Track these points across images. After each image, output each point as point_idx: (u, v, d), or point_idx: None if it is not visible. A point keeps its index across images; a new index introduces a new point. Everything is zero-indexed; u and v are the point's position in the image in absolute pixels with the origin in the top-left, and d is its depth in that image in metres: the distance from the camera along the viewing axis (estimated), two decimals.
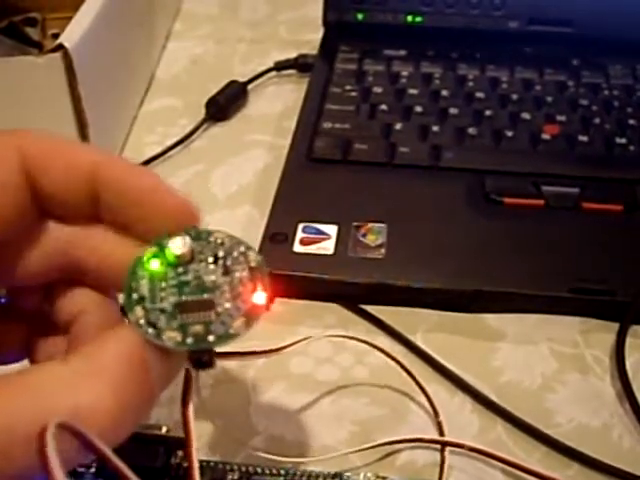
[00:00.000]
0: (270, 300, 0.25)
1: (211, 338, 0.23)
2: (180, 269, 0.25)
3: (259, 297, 0.25)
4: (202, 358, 0.24)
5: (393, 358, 0.38)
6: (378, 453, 0.36)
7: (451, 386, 0.39)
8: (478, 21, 0.60)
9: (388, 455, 0.36)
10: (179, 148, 0.55)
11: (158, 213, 0.26)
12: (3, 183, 0.25)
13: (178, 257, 0.25)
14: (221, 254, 0.25)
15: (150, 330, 0.23)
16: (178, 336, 0.23)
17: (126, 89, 0.57)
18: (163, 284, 0.25)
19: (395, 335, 0.41)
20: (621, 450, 0.36)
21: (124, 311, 0.24)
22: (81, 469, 0.33)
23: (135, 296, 0.24)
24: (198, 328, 0.24)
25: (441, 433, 0.36)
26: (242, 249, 0.26)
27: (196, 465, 0.26)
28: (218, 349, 0.24)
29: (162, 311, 0.24)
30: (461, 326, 0.42)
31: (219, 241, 0.26)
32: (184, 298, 0.24)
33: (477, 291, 0.42)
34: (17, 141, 0.26)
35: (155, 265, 0.25)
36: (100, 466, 0.33)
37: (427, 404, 0.37)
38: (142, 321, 0.24)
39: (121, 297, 0.26)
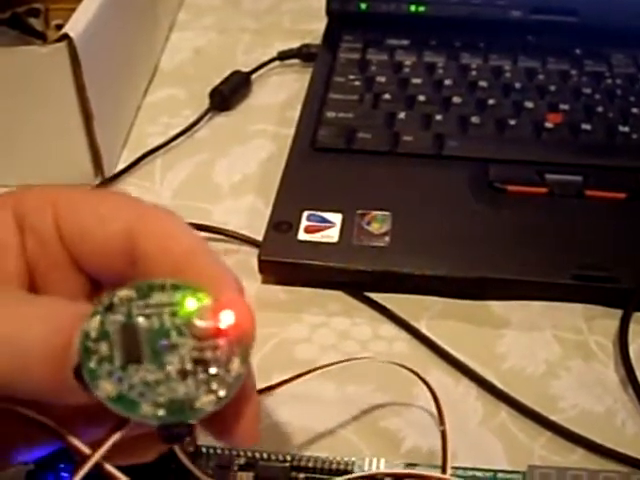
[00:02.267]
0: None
1: (92, 365, 0.22)
2: (184, 329, 0.23)
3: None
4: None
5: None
6: (384, 439, 0.36)
7: (456, 373, 0.39)
8: (481, 10, 0.60)
9: (393, 441, 0.36)
10: (183, 138, 0.55)
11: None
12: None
13: (197, 325, 0.23)
14: (212, 371, 0.23)
15: (100, 308, 0.22)
16: (94, 332, 0.22)
17: (130, 79, 0.57)
18: (165, 314, 0.23)
19: (400, 322, 0.42)
20: (624, 435, 0.36)
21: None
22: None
23: (144, 288, 0.23)
24: (104, 349, 0.22)
25: (442, 423, 0.36)
26: (211, 398, 0.23)
27: None
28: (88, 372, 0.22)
29: (127, 315, 0.23)
30: (465, 313, 0.42)
31: (232, 371, 0.23)
32: (143, 334, 0.23)
33: (481, 278, 0.42)
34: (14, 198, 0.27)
35: (190, 304, 0.23)
36: None
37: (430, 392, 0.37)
38: (115, 300, 0.23)
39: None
